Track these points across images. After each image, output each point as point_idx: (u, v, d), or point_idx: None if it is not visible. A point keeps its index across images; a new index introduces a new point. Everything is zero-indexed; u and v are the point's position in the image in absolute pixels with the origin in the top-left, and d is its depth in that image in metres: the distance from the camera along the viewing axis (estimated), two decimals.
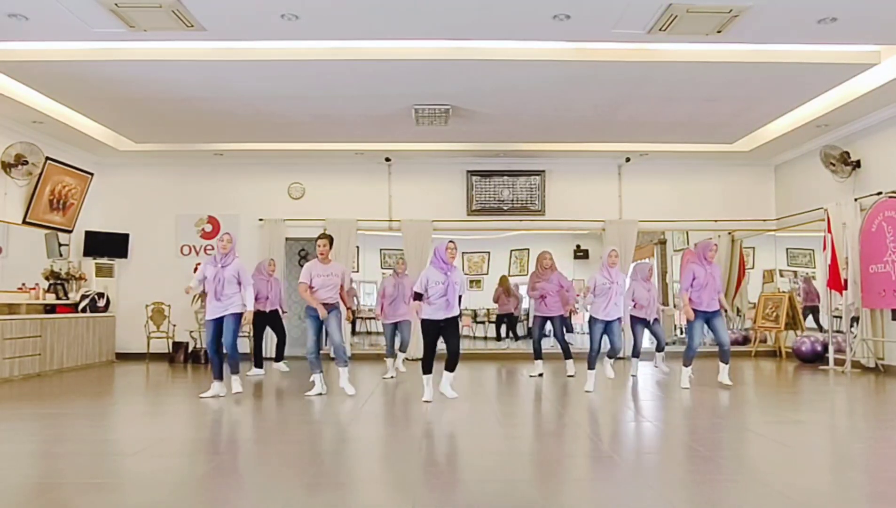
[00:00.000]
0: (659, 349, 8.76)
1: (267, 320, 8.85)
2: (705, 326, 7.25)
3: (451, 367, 6.40)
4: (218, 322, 6.75)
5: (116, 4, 5.64)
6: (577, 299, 8.31)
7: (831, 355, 9.09)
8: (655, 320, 8.38)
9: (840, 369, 8.78)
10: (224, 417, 5.84)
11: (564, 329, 8.50)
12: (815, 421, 5.62)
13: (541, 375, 8.32)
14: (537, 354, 8.51)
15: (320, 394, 6.75)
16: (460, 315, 6.49)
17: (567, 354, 8.39)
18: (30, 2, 5.65)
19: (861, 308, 8.78)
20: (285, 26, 6.13)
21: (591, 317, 7.23)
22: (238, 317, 6.77)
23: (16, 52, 6.89)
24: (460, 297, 6.46)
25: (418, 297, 6.33)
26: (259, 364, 8.80)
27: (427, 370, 6.36)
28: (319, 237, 6.97)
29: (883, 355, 8.69)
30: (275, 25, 6.11)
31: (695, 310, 7.06)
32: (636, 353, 8.49)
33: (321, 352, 6.98)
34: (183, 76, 7.49)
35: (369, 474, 4.07)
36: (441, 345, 6.48)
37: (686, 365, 7.23)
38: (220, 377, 6.81)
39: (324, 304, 6.76)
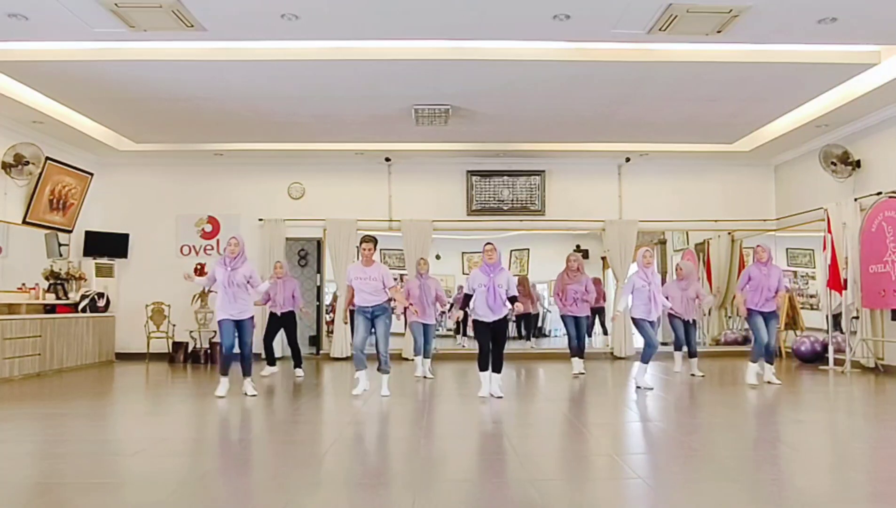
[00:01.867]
0: (691, 354, 8.37)
1: (281, 322, 8.72)
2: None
3: (497, 369, 6.50)
4: (234, 323, 6.73)
5: (116, 4, 5.64)
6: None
7: (831, 355, 9.08)
8: (693, 321, 8.07)
9: (840, 369, 8.77)
10: (225, 417, 5.83)
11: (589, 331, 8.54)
12: (815, 421, 5.62)
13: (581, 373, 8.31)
14: (579, 352, 8.43)
15: (364, 390, 6.73)
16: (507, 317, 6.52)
17: (581, 353, 8.42)
18: (30, 2, 5.65)
19: (861, 308, 8.78)
20: (285, 26, 6.13)
21: (634, 318, 7.28)
22: (252, 320, 6.86)
23: (16, 52, 6.89)
24: (513, 298, 6.37)
25: (467, 299, 6.45)
26: (272, 363, 8.77)
27: (483, 366, 6.47)
28: (364, 241, 6.82)
29: (883, 355, 8.69)
30: (275, 25, 6.11)
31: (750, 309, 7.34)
32: (692, 353, 8.30)
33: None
34: (183, 76, 7.49)
35: (371, 474, 4.07)
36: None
37: (753, 361, 7.38)
38: (226, 373, 6.76)
39: (371, 307, 6.67)
